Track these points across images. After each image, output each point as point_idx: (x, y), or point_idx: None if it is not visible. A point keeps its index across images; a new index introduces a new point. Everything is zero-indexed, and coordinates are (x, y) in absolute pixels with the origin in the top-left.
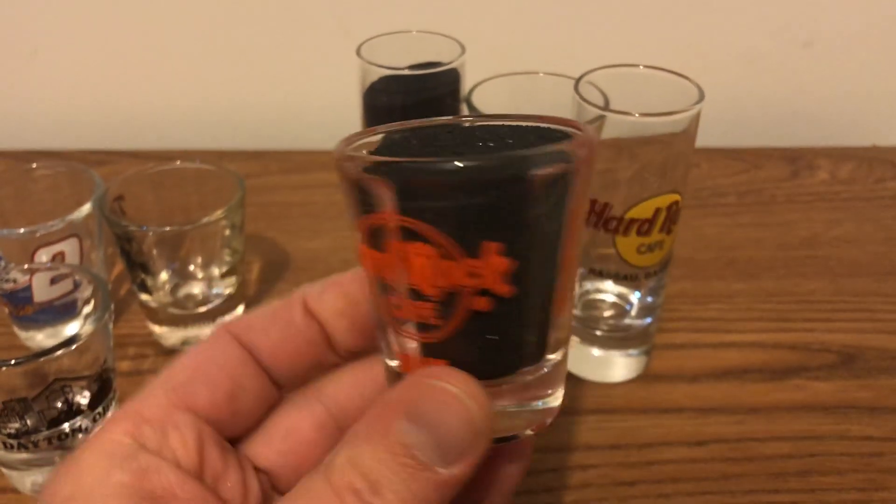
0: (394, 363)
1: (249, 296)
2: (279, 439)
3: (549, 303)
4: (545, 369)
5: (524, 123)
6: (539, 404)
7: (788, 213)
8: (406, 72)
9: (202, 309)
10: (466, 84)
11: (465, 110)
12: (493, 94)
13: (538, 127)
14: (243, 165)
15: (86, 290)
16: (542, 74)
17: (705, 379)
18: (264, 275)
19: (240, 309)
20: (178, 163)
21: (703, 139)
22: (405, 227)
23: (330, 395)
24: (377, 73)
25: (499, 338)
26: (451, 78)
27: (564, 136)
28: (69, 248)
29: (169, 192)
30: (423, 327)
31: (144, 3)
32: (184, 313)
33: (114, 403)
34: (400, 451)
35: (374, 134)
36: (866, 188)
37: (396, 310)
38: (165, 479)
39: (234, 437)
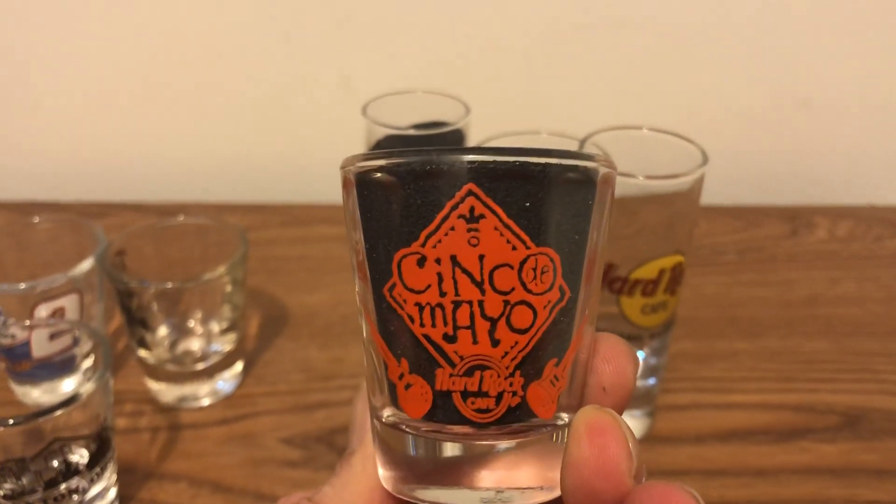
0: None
1: (248, 352)
2: None
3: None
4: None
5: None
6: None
7: (789, 271)
8: (411, 132)
9: (200, 366)
10: (471, 144)
11: None
12: None
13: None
14: (243, 218)
15: (85, 346)
16: (545, 134)
17: (710, 441)
18: (263, 330)
19: (238, 366)
20: (182, 217)
21: (702, 197)
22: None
23: None
24: (382, 132)
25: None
26: (455, 138)
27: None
28: (70, 303)
29: (171, 247)
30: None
31: (146, 57)
32: (181, 370)
33: (112, 463)
34: None
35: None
36: (865, 247)
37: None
38: None
39: None
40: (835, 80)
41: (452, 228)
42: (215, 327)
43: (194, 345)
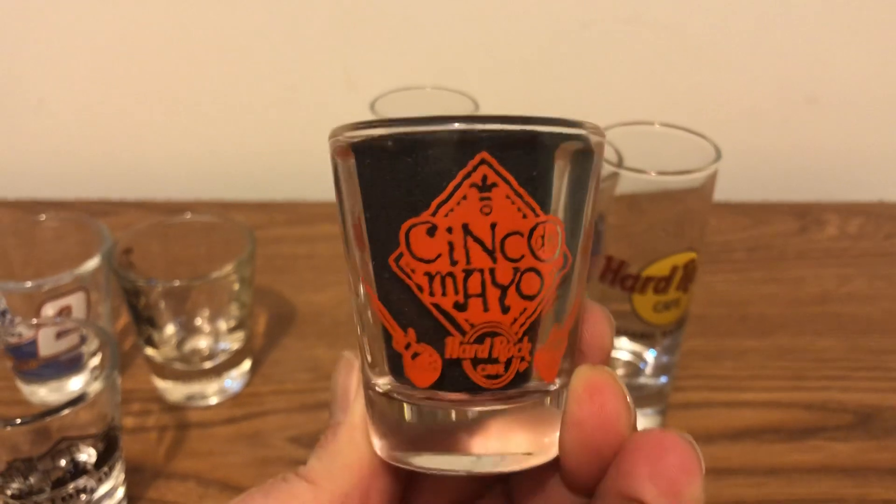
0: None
1: (256, 350)
2: None
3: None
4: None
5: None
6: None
7: (799, 268)
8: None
9: (208, 364)
10: None
11: None
12: None
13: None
14: (249, 216)
15: (92, 345)
16: None
17: (721, 439)
18: (270, 329)
19: (246, 364)
20: (188, 215)
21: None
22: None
23: None
24: None
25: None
26: None
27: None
28: (76, 301)
29: (178, 245)
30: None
31: (151, 55)
32: (189, 368)
33: (119, 462)
34: None
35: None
36: (875, 244)
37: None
38: None
39: None
40: (843, 76)
41: (465, 197)
42: (223, 325)
43: (202, 343)
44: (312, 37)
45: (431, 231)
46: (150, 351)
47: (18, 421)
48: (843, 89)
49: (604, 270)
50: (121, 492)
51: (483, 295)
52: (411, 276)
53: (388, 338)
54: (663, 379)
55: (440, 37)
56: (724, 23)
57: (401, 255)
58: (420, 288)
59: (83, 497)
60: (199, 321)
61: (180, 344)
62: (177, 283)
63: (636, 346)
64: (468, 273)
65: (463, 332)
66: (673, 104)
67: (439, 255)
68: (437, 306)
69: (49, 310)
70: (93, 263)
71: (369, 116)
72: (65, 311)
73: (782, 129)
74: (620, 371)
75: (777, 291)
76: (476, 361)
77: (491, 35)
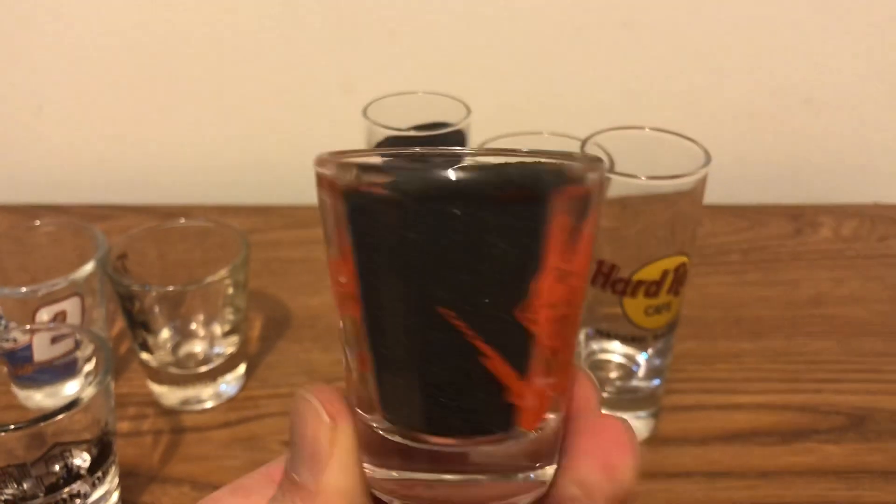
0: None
1: (251, 355)
2: None
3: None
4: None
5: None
6: (531, 475)
7: (793, 271)
8: (412, 133)
9: (203, 368)
10: (472, 145)
11: None
12: None
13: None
14: (247, 221)
15: (87, 349)
16: (546, 135)
17: (714, 442)
18: (265, 332)
19: (241, 368)
20: (182, 220)
21: (706, 196)
22: None
23: None
24: (383, 134)
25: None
26: (456, 139)
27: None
28: (71, 306)
29: (172, 249)
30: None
31: (149, 60)
32: (184, 373)
33: (114, 467)
34: None
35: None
36: (870, 246)
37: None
38: None
39: None
40: (838, 79)
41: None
42: (217, 330)
43: (197, 347)
44: (310, 41)
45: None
46: (144, 356)
47: (12, 426)
48: (839, 92)
49: (595, 274)
50: (115, 496)
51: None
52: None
53: (502, 390)
54: (656, 381)
55: (437, 41)
56: (719, 26)
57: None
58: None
59: (77, 502)
60: (193, 325)
61: (175, 348)
62: (171, 288)
63: (628, 350)
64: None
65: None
66: (668, 107)
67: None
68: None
69: (44, 315)
70: (87, 269)
71: (365, 123)
72: (60, 317)
73: (778, 132)
74: (613, 374)
75: (771, 294)
76: None
77: (488, 39)
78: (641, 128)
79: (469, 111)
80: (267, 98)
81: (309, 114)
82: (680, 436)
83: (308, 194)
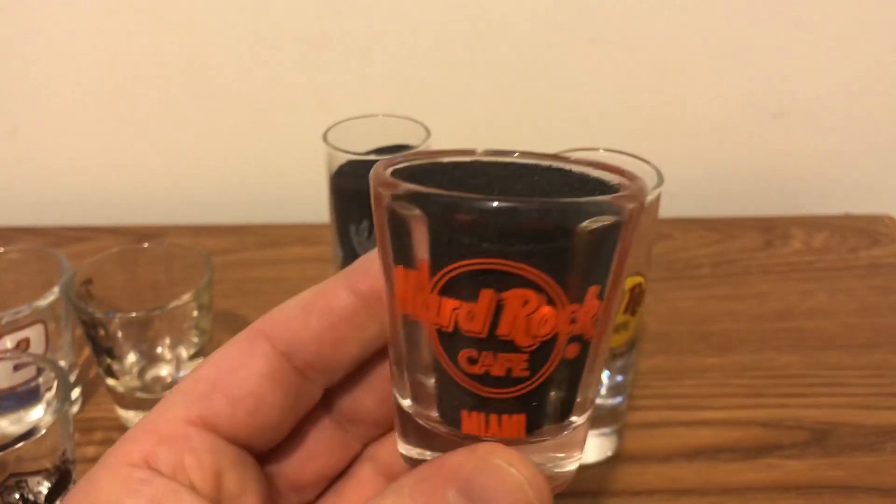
0: (435, 420)
1: None
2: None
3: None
4: (581, 425)
5: (573, 165)
6: (565, 466)
7: (762, 284)
8: (371, 157)
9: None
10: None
11: None
12: None
13: (588, 173)
14: (221, 241)
15: (49, 376)
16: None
17: (677, 459)
18: None
19: None
20: (146, 244)
21: (677, 210)
22: (507, 273)
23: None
24: (343, 158)
25: (568, 385)
26: None
27: (614, 182)
28: (34, 334)
29: (138, 273)
30: (501, 381)
31: (124, 81)
32: (151, 397)
33: None
34: None
35: (406, 164)
36: (840, 258)
37: (469, 364)
38: None
39: (259, 452)
40: (807, 90)
41: None
42: (184, 353)
43: (163, 371)
44: (284, 61)
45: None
46: (110, 381)
47: None
48: (808, 105)
49: None
50: None
51: None
52: None
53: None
54: (618, 399)
55: (414, 60)
56: (689, 40)
57: None
58: None
59: None
60: (160, 349)
61: (142, 373)
62: (134, 314)
63: None
64: None
65: None
66: (638, 122)
67: None
68: None
69: (7, 342)
70: (51, 296)
71: (325, 148)
72: (23, 344)
73: (749, 145)
74: None
75: (739, 308)
76: None
77: (463, 57)
78: (596, 149)
79: (429, 133)
80: (241, 118)
81: (285, 133)
82: (644, 453)
83: (282, 213)
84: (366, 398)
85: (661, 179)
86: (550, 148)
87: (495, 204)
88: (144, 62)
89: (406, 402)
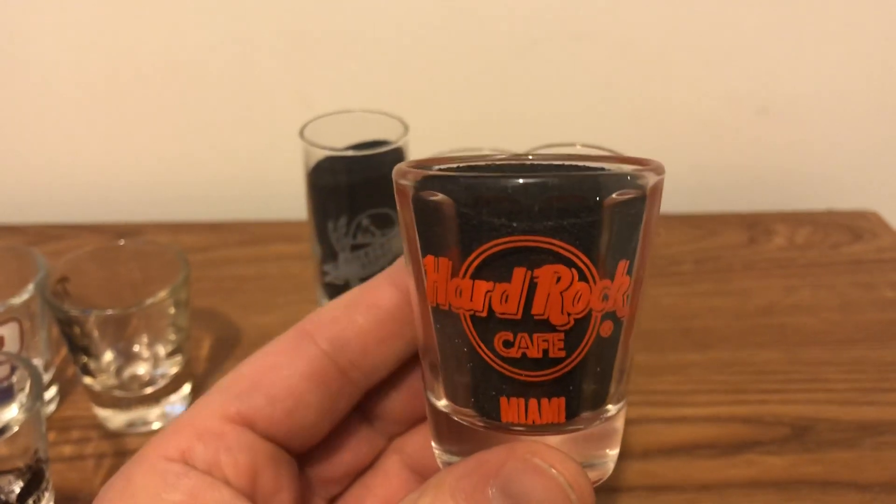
0: (474, 411)
1: (197, 374)
2: (345, 466)
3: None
4: (616, 414)
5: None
6: (604, 461)
7: (746, 280)
8: (350, 152)
9: (148, 390)
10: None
11: None
12: None
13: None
14: (202, 238)
15: (23, 374)
16: (486, 151)
17: (657, 456)
18: (214, 352)
19: (186, 388)
20: (122, 241)
21: (662, 206)
22: (538, 249)
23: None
24: (320, 154)
25: (603, 367)
26: (395, 157)
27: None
28: (9, 332)
29: (114, 271)
30: (539, 363)
31: (104, 78)
32: (128, 395)
33: (47, 493)
34: None
35: (438, 166)
36: (822, 253)
37: (505, 348)
38: (214, 500)
39: (298, 450)
40: (791, 87)
41: None
42: (161, 351)
43: (141, 369)
44: (266, 58)
45: None
46: (87, 380)
47: None
48: (792, 101)
49: None
50: None
51: None
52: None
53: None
54: None
55: (397, 55)
56: (673, 37)
57: None
58: None
59: None
60: (137, 347)
61: (119, 371)
62: (110, 311)
63: None
64: None
65: None
66: (623, 118)
67: None
68: None
69: None
70: (25, 294)
71: (301, 144)
72: None
73: (733, 141)
74: None
75: (722, 304)
76: None
77: (447, 53)
78: (572, 144)
79: (407, 128)
80: (223, 115)
81: (266, 130)
82: (623, 450)
83: (264, 209)
84: (394, 395)
85: None
86: (533, 144)
87: (521, 181)
88: (124, 60)
89: (441, 403)
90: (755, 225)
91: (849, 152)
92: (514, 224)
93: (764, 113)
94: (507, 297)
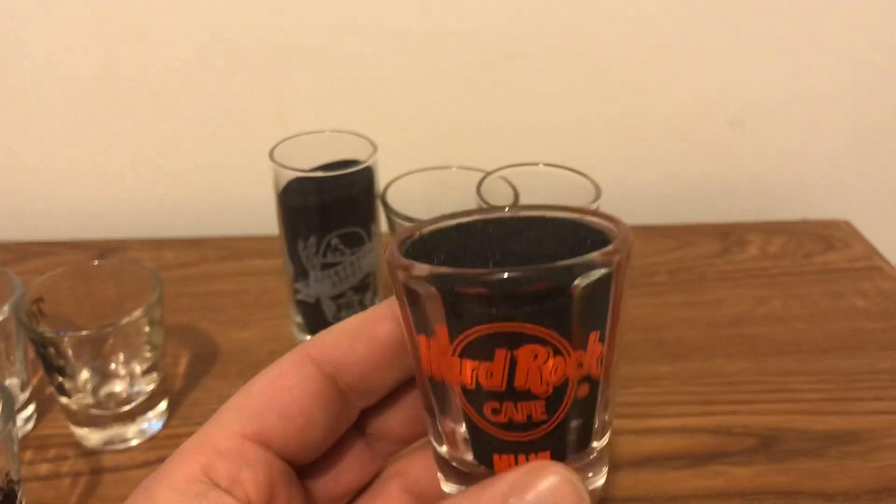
0: (470, 462)
1: (174, 391)
2: (343, 483)
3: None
4: (600, 448)
5: (563, 215)
6: (595, 482)
7: (718, 290)
8: (318, 174)
9: (125, 408)
10: (381, 181)
11: (380, 208)
12: (408, 190)
13: (579, 222)
14: (182, 254)
15: None
16: (455, 169)
17: (626, 468)
18: (191, 369)
19: (163, 405)
20: (96, 262)
21: (634, 217)
22: (516, 333)
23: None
24: (289, 175)
25: (583, 420)
26: (365, 176)
27: (601, 229)
28: None
29: (89, 290)
30: (524, 426)
31: (83, 94)
32: (105, 413)
33: None
34: None
35: (412, 236)
36: (795, 263)
37: (493, 414)
38: None
39: (299, 467)
40: (764, 97)
41: None
42: (137, 368)
43: (117, 387)
44: (244, 76)
45: None
46: (63, 399)
47: None
48: (765, 111)
49: None
50: None
51: None
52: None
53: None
54: None
55: (372, 73)
56: (645, 49)
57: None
58: None
59: None
60: (113, 366)
61: (95, 390)
62: (84, 332)
63: None
64: None
65: None
66: (598, 131)
67: None
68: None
69: None
70: (0, 315)
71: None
72: None
73: (706, 152)
74: None
75: (693, 315)
76: None
77: (421, 69)
78: (536, 164)
79: (375, 148)
80: (202, 132)
81: (244, 146)
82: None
83: (243, 224)
84: (393, 416)
85: (598, 192)
86: (505, 160)
87: (497, 276)
88: (103, 77)
89: (443, 449)
90: (729, 235)
91: (822, 162)
92: (493, 311)
93: (737, 124)
94: (491, 373)
